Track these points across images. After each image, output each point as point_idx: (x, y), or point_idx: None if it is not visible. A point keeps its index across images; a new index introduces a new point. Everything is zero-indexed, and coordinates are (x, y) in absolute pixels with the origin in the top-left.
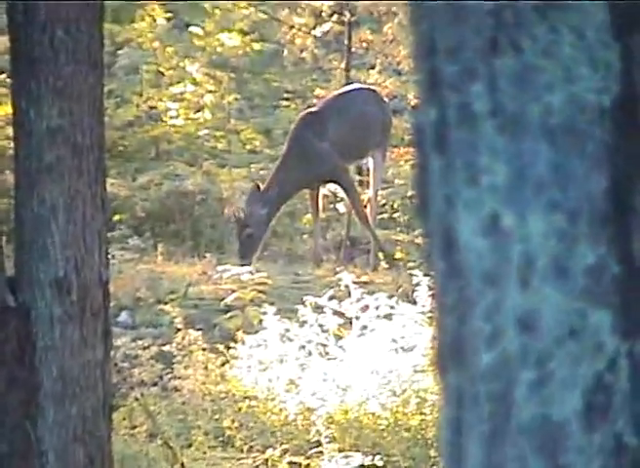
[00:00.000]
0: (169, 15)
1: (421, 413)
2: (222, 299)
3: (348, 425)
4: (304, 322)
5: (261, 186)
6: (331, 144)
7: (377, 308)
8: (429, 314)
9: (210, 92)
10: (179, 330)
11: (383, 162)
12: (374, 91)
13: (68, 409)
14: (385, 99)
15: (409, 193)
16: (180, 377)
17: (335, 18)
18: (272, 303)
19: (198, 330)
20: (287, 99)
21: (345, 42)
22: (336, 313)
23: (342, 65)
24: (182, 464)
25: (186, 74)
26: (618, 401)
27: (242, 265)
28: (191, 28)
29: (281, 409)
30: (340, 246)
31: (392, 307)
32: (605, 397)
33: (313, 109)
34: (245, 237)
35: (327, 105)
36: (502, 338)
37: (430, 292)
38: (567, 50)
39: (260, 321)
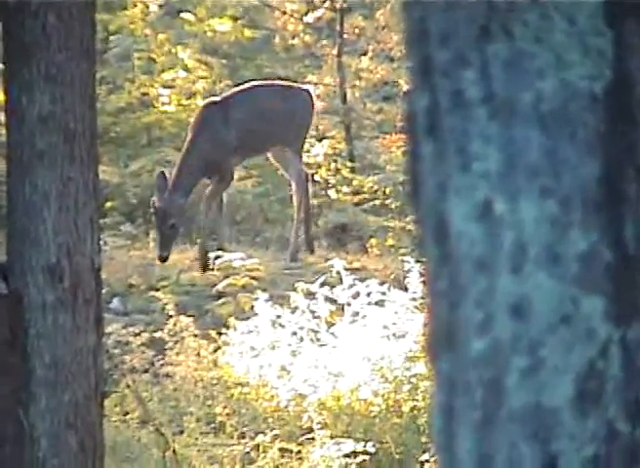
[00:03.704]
0: (161, 1)
1: (413, 400)
2: (214, 286)
3: (340, 412)
4: (296, 308)
5: (167, 174)
6: (234, 133)
7: (368, 295)
8: (421, 300)
9: (202, 78)
10: (170, 316)
11: (297, 159)
12: (285, 87)
13: (60, 396)
14: (303, 96)
15: (400, 179)
16: (171, 364)
17: (327, 4)
18: (264, 290)
19: (190, 316)
20: None
21: (337, 28)
22: (327, 299)
23: (334, 52)
24: (174, 450)
25: (178, 60)
26: (610, 387)
27: (162, 258)
28: (183, 15)
29: (273, 396)
30: (333, 233)
31: (384, 294)
32: (597, 384)
33: (217, 99)
34: (168, 228)
35: (230, 97)
36: (494, 325)
37: (422, 279)
38: (559, 36)
39: (252, 307)
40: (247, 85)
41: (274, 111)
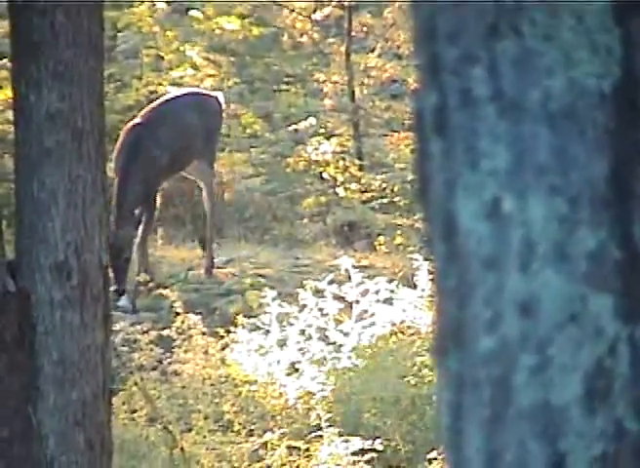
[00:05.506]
0: None
1: (422, 398)
2: (222, 284)
3: (348, 409)
4: (304, 306)
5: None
6: (165, 154)
7: (377, 292)
8: (429, 298)
9: (210, 76)
10: (178, 314)
11: (209, 170)
12: (195, 95)
13: (68, 394)
14: (213, 104)
15: (409, 177)
16: (179, 362)
17: (335, 2)
18: (272, 287)
19: (198, 314)
20: (287, 83)
21: (346, 26)
22: (336, 297)
23: (343, 49)
24: (182, 448)
25: (186, 58)
26: (618, 386)
27: (121, 292)
28: (191, 12)
29: (281, 394)
30: (341, 230)
31: (392, 291)
32: (605, 382)
33: (139, 120)
34: (123, 261)
35: (151, 116)
36: (503, 323)
37: (430, 277)
38: (567, 34)
39: (260, 305)
40: (160, 100)
41: (193, 125)
